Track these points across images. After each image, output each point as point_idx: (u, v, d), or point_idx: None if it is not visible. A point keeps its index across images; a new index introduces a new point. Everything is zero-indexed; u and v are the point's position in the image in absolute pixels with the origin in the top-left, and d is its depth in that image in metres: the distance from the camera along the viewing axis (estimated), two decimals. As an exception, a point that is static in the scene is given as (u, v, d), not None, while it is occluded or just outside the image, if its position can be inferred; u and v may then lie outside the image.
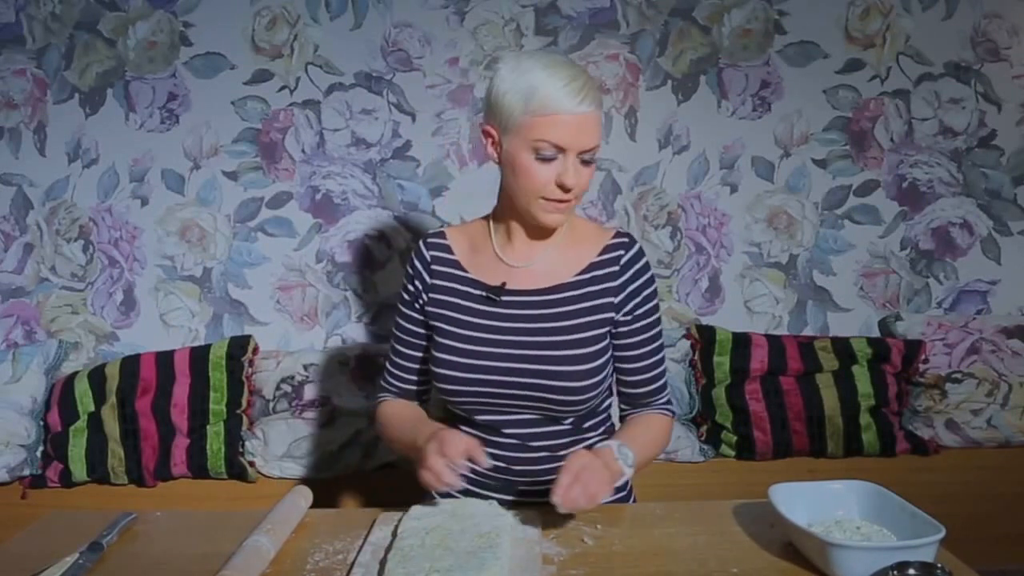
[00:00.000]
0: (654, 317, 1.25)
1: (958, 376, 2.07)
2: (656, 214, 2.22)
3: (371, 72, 2.17)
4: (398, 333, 1.34)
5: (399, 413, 1.32)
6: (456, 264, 1.28)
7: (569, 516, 1.09)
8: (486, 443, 1.18)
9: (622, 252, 1.24)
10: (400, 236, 2.21)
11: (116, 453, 1.98)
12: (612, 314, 1.22)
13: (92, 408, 2.02)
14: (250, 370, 2.08)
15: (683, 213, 2.23)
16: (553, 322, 1.20)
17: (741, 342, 2.08)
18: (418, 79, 2.18)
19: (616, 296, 1.22)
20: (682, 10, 2.18)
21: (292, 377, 2.05)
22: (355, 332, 2.23)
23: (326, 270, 2.22)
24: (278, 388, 2.04)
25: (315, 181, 2.20)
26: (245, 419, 2.04)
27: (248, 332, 2.18)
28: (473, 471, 1.11)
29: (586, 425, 1.25)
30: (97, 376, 2.04)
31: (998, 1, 2.20)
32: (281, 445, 2.00)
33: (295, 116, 2.18)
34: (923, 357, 2.08)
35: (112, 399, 2.00)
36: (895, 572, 0.86)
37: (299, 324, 2.22)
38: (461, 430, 1.21)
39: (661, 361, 1.28)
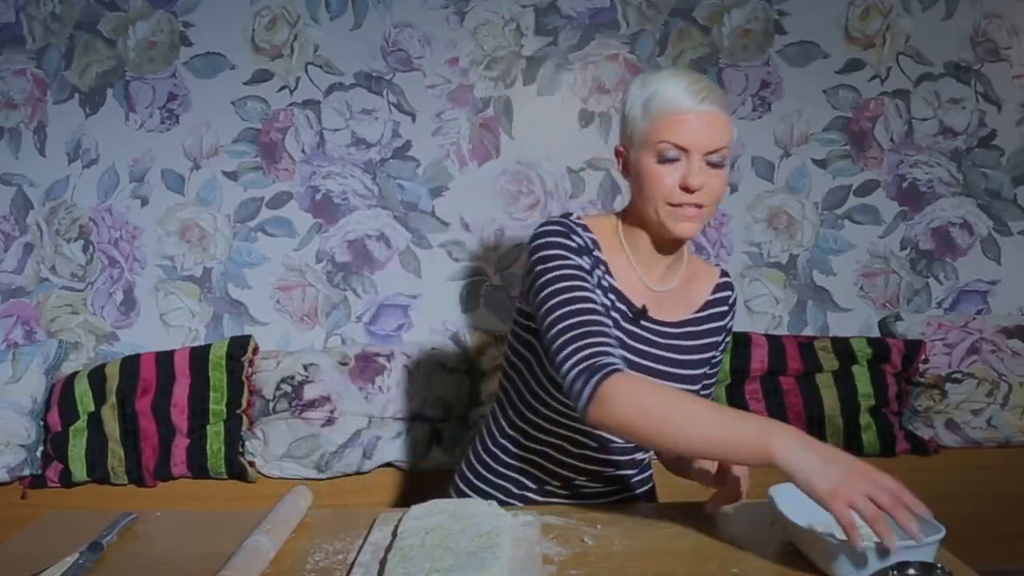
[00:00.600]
0: (725, 350, 1.29)
1: (958, 376, 2.07)
2: (656, 214, 2.22)
3: (371, 72, 2.17)
4: (581, 304, 1.06)
5: (674, 390, 1.04)
6: (605, 266, 1.17)
7: (569, 516, 1.09)
8: (568, 440, 1.19)
9: (729, 293, 1.27)
10: (400, 236, 2.21)
11: (116, 453, 1.98)
12: (715, 353, 1.25)
13: (92, 408, 2.02)
14: (250, 370, 2.08)
15: (683, 213, 2.23)
16: (678, 354, 1.20)
17: (741, 342, 2.08)
18: (418, 79, 2.18)
19: (720, 336, 1.25)
20: (682, 10, 2.18)
21: (292, 377, 2.05)
22: (355, 332, 2.23)
23: (326, 270, 2.22)
24: (278, 388, 2.04)
25: (315, 181, 2.20)
26: (245, 419, 2.04)
27: (248, 332, 2.18)
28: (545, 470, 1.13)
29: None
30: (97, 376, 2.04)
31: (998, 1, 2.20)
32: (281, 445, 2.00)
33: (295, 116, 2.18)
34: (923, 357, 2.08)
35: (112, 399, 2.00)
36: (895, 572, 0.86)
37: (299, 324, 2.22)
38: (546, 427, 1.19)
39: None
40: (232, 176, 2.19)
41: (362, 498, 2.03)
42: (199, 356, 2.05)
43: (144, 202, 2.19)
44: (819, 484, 0.85)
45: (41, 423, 2.04)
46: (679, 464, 1.26)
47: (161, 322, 2.21)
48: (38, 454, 2.03)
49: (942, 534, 0.88)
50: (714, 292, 1.25)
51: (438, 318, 2.22)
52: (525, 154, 2.20)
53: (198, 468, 1.98)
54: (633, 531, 1.06)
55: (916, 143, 2.24)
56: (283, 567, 0.97)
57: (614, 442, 1.20)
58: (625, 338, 1.16)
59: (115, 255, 2.20)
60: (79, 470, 1.98)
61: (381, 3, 2.16)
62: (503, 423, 1.26)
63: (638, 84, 1.14)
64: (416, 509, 1.05)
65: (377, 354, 2.09)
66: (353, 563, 0.96)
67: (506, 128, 2.20)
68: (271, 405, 2.04)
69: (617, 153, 1.18)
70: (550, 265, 1.10)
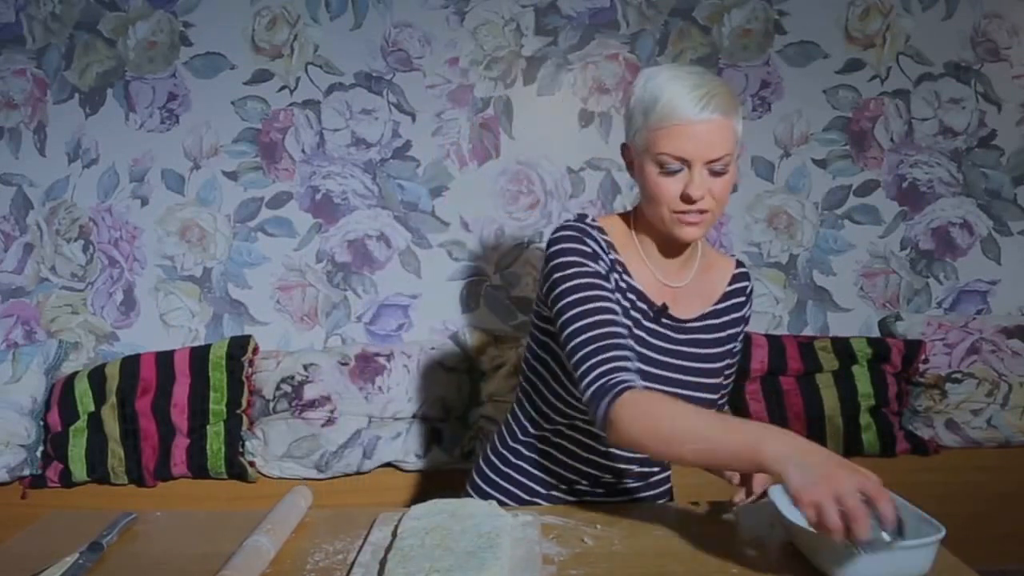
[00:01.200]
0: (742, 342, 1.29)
1: (958, 376, 2.07)
2: (656, 214, 2.22)
3: (371, 72, 2.17)
4: (598, 315, 1.07)
5: (679, 404, 1.03)
6: (622, 266, 1.17)
7: (569, 517, 1.09)
8: (586, 434, 1.19)
9: (747, 283, 1.26)
10: (400, 236, 2.21)
11: (116, 453, 1.98)
12: (735, 344, 1.25)
13: (92, 408, 2.02)
14: (250, 370, 2.08)
15: (683, 213, 2.23)
16: (699, 348, 1.19)
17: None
18: (418, 79, 2.18)
19: (739, 327, 1.25)
20: (682, 10, 2.18)
21: (292, 377, 2.05)
22: (355, 332, 2.23)
23: (326, 270, 2.22)
24: (278, 388, 2.04)
25: (315, 181, 2.20)
26: (245, 419, 2.04)
27: (248, 332, 2.18)
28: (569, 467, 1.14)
29: None
30: (97, 376, 2.04)
31: (998, 1, 2.20)
32: (281, 445, 2.00)
33: (295, 116, 2.18)
34: (923, 357, 2.08)
35: (112, 399, 2.00)
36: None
37: (299, 324, 2.22)
38: (564, 424, 1.20)
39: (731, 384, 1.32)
40: (232, 176, 2.19)
41: (362, 498, 2.02)
42: (199, 356, 2.05)
43: (144, 202, 2.19)
44: (793, 485, 0.86)
45: (41, 423, 2.04)
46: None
47: (161, 322, 2.21)
48: (38, 454, 2.03)
49: (942, 534, 0.88)
50: (731, 283, 1.25)
51: (438, 318, 2.23)
52: (525, 154, 2.20)
53: (198, 468, 1.98)
54: (633, 531, 1.06)
55: (916, 143, 2.24)
56: (283, 567, 0.97)
57: None
58: (647, 336, 1.16)
59: (115, 255, 2.20)
60: (79, 470, 1.97)
61: (381, 3, 2.16)
62: (525, 423, 1.26)
63: (641, 84, 1.12)
64: (416, 509, 1.05)
65: (377, 354, 2.09)
66: (353, 563, 0.96)
67: (506, 128, 2.20)
68: (271, 405, 2.04)
69: (624, 150, 1.18)
70: (567, 273, 1.11)
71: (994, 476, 2.02)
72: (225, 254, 2.21)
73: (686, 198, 1.08)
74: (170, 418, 2.00)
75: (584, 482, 1.23)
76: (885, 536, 0.97)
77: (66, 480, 1.98)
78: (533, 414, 1.24)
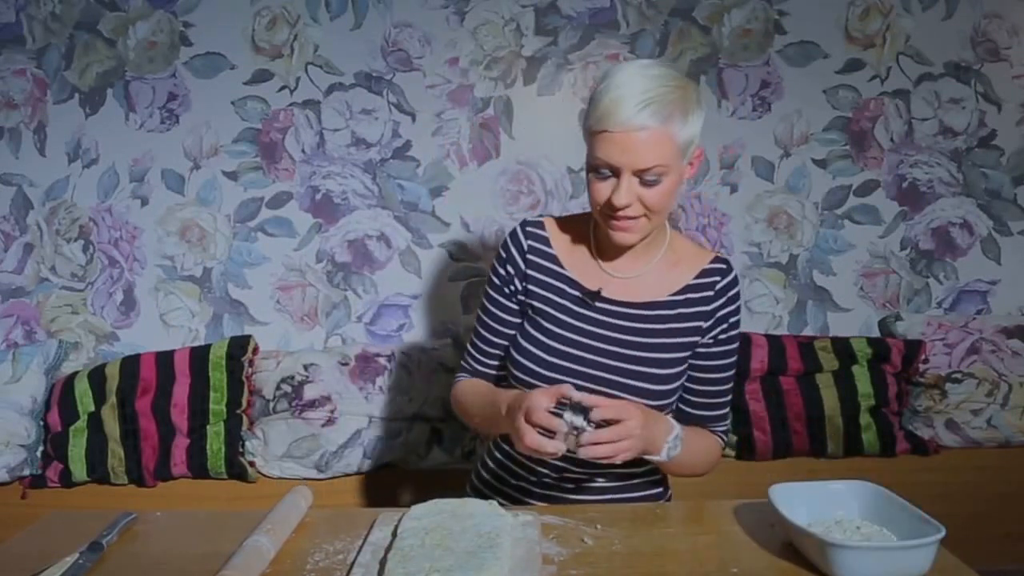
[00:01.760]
0: (734, 346, 1.26)
1: (958, 376, 2.07)
2: (656, 214, 2.22)
3: (371, 72, 2.17)
4: (483, 316, 1.30)
5: (475, 389, 1.28)
6: (554, 259, 1.25)
7: (569, 517, 1.09)
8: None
9: (718, 278, 1.23)
10: (400, 236, 2.21)
11: (116, 453, 1.98)
12: (698, 338, 1.22)
13: (92, 408, 2.02)
14: (250, 370, 2.08)
15: (683, 213, 2.23)
16: (641, 337, 1.19)
17: (741, 342, 2.07)
18: (418, 79, 2.18)
19: (706, 321, 1.22)
20: (682, 10, 2.18)
21: (292, 377, 2.05)
22: (355, 332, 2.23)
23: (326, 270, 2.22)
24: (278, 388, 2.04)
25: (315, 181, 2.20)
26: (245, 419, 2.04)
27: (248, 332, 2.18)
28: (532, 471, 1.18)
29: None
30: (97, 376, 2.04)
31: (998, 1, 2.20)
32: (281, 445, 2.00)
33: (295, 116, 2.18)
34: (923, 357, 2.08)
35: (112, 399, 2.00)
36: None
37: (299, 324, 2.22)
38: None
39: (730, 390, 1.28)
40: (232, 176, 2.19)
41: (362, 498, 2.03)
42: (199, 356, 2.05)
43: (144, 202, 2.19)
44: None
45: (41, 423, 2.04)
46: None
47: (161, 322, 2.21)
48: (38, 454, 2.03)
49: (942, 534, 0.88)
50: (698, 276, 1.23)
51: (438, 318, 2.23)
52: (525, 154, 2.20)
53: (198, 468, 1.98)
54: (633, 531, 1.06)
55: (916, 143, 2.24)
56: (283, 567, 0.97)
57: None
58: (580, 322, 1.21)
59: (115, 255, 2.20)
60: (79, 470, 1.97)
61: (381, 3, 2.16)
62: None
63: (600, 80, 1.12)
64: (416, 509, 1.05)
65: (377, 354, 2.09)
66: (353, 563, 0.96)
67: (506, 128, 2.20)
68: (271, 405, 2.04)
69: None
70: (487, 282, 1.31)
71: (994, 476, 2.02)
72: (225, 254, 2.21)
73: (610, 205, 1.10)
74: (170, 418, 2.00)
75: (532, 478, 1.25)
76: (891, 536, 0.97)
77: (66, 480, 1.98)
78: None
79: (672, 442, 1.13)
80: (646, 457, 1.12)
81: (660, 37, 2.19)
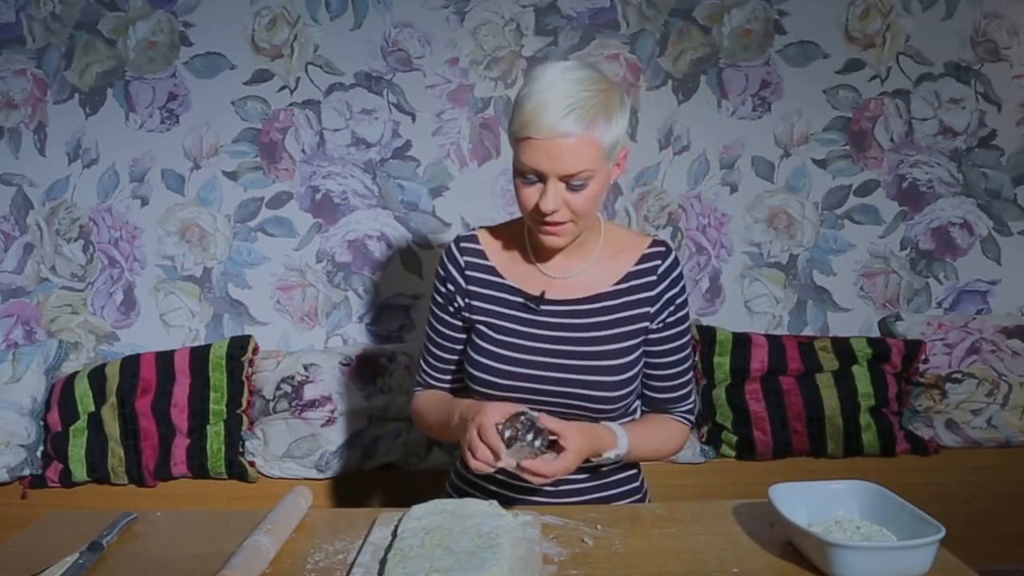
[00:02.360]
0: (684, 326, 1.25)
1: (958, 376, 2.07)
2: (657, 214, 2.22)
3: (371, 72, 2.17)
4: (431, 333, 1.32)
5: (431, 400, 1.30)
6: (492, 270, 1.26)
7: (569, 517, 1.09)
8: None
9: (659, 262, 1.22)
10: (400, 236, 2.21)
11: (116, 453, 1.98)
12: (647, 323, 1.22)
13: (92, 408, 2.02)
14: (250, 370, 2.08)
15: (683, 213, 2.23)
16: (591, 331, 1.20)
17: (741, 342, 2.08)
18: (418, 79, 2.18)
19: (652, 306, 1.21)
20: (682, 10, 2.18)
21: (292, 377, 2.05)
22: (355, 332, 2.23)
23: (326, 270, 2.22)
24: (278, 388, 2.04)
25: (315, 181, 2.20)
26: (245, 419, 2.04)
27: (248, 332, 2.18)
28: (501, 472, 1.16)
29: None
30: (97, 376, 2.04)
31: (998, 1, 2.20)
32: (281, 445, 2.00)
33: (295, 116, 2.18)
34: (923, 357, 2.08)
35: (112, 399, 2.00)
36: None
37: (299, 324, 2.22)
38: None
39: (688, 370, 1.28)
40: (232, 176, 2.19)
41: (362, 498, 2.03)
42: (199, 356, 2.05)
43: (144, 202, 2.19)
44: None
45: (41, 423, 2.04)
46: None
47: (161, 322, 2.21)
48: (38, 454, 2.03)
49: (942, 534, 0.88)
50: (639, 263, 1.23)
51: (438, 318, 2.22)
52: (525, 154, 2.20)
53: (198, 468, 1.98)
54: (633, 531, 1.06)
55: (916, 143, 2.24)
56: (283, 567, 0.97)
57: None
58: (523, 327, 1.21)
59: (115, 255, 2.20)
60: (79, 470, 1.98)
61: (381, 3, 2.16)
62: None
63: (525, 81, 1.12)
64: (416, 509, 1.05)
65: (378, 354, 2.09)
66: (353, 563, 0.96)
67: (506, 128, 2.19)
68: (271, 405, 2.04)
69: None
70: (431, 299, 1.32)
71: (994, 476, 2.02)
72: (225, 254, 2.21)
73: (538, 210, 1.11)
74: (170, 418, 2.00)
75: (509, 480, 1.23)
76: (891, 536, 0.97)
77: (66, 480, 1.98)
78: None
79: (615, 455, 1.16)
80: (609, 456, 1.16)
81: (660, 37, 2.19)
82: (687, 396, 1.29)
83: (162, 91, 2.17)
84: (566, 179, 1.09)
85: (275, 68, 2.17)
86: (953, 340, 2.11)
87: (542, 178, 1.10)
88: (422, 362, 1.34)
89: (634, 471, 1.30)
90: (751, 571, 0.94)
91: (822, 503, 1.03)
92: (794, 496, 1.00)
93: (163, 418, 2.00)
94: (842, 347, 2.08)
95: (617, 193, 2.21)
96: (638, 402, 1.29)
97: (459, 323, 1.28)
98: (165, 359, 2.06)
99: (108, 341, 2.22)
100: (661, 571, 0.95)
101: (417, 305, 2.23)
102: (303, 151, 2.19)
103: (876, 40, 2.21)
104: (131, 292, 2.21)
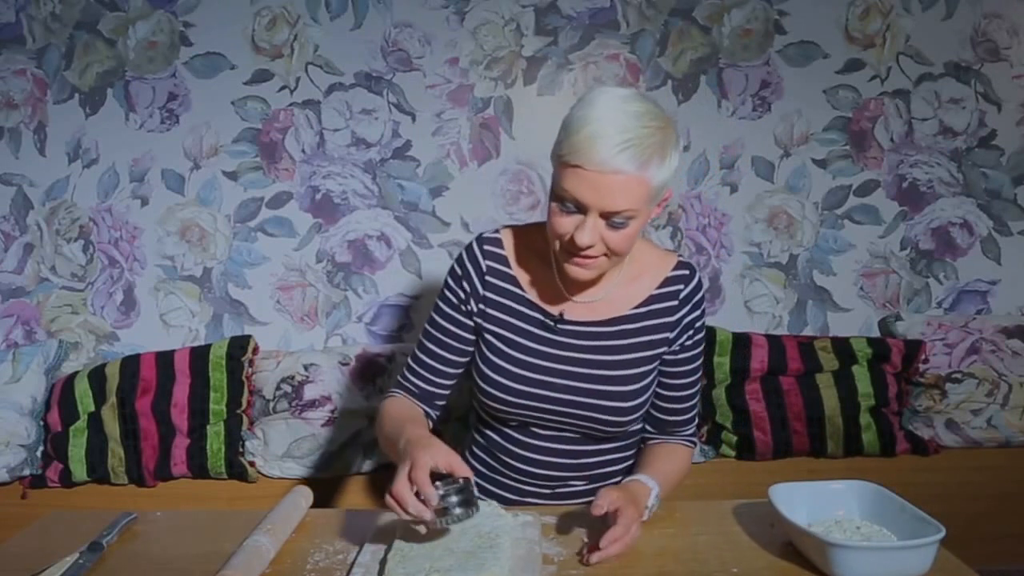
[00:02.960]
0: (699, 350, 1.23)
1: (958, 376, 2.07)
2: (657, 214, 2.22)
3: (371, 72, 2.17)
4: (433, 331, 1.23)
5: (397, 412, 1.20)
6: (514, 280, 1.20)
7: (570, 517, 1.09)
8: (516, 443, 1.22)
9: (682, 286, 1.19)
10: (400, 236, 2.21)
11: (116, 453, 1.98)
12: (665, 348, 1.19)
13: (92, 408, 2.02)
14: (250, 370, 2.08)
15: (683, 213, 2.23)
16: (609, 355, 1.17)
17: (741, 342, 2.08)
18: (418, 79, 2.18)
19: (672, 331, 1.19)
20: (682, 10, 2.18)
21: (292, 377, 2.05)
22: (355, 332, 2.23)
23: (326, 270, 2.22)
24: (278, 388, 2.04)
25: (315, 181, 2.20)
26: (245, 419, 2.04)
27: (248, 332, 2.18)
28: (496, 472, 1.15)
29: (618, 444, 1.24)
30: (97, 376, 2.04)
31: (998, 1, 2.20)
32: (281, 445, 2.00)
33: (295, 116, 2.18)
34: (923, 357, 2.08)
35: (112, 399, 2.00)
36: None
37: (299, 324, 2.22)
38: (491, 427, 1.24)
39: (696, 393, 1.26)
40: (232, 176, 2.19)
41: (362, 498, 2.03)
42: (199, 356, 2.05)
43: (144, 202, 2.19)
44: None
45: (41, 423, 2.04)
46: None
47: (161, 322, 2.21)
48: (38, 454, 2.03)
49: (942, 534, 0.88)
50: (661, 286, 1.19)
51: (438, 318, 2.22)
52: (525, 154, 2.20)
53: (198, 468, 1.98)
54: (633, 531, 1.06)
55: (916, 143, 2.24)
56: (283, 567, 0.97)
57: (557, 446, 1.21)
58: (538, 345, 1.18)
59: (115, 255, 2.20)
60: (79, 470, 1.97)
61: (381, 3, 2.16)
62: (473, 428, 1.34)
63: (578, 103, 1.06)
64: (416, 509, 1.05)
65: (377, 354, 2.09)
66: (353, 563, 0.96)
67: (506, 128, 2.20)
68: (271, 405, 2.04)
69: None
70: (438, 296, 1.24)
71: (994, 476, 2.02)
72: (225, 254, 2.21)
73: (572, 242, 1.05)
74: (170, 418, 2.00)
75: (509, 483, 1.25)
76: (891, 536, 0.97)
77: (66, 480, 1.98)
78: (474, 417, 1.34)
79: (652, 504, 1.09)
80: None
81: (660, 37, 2.19)
82: (692, 420, 1.27)
83: (162, 91, 2.17)
84: (607, 215, 1.03)
85: (275, 68, 2.17)
86: (953, 340, 2.11)
87: (582, 210, 1.03)
88: (411, 360, 1.25)
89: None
90: (751, 571, 0.94)
91: (822, 503, 1.03)
92: (794, 496, 1.01)
93: (163, 418, 2.00)
94: (842, 347, 2.08)
95: (617, 193, 2.21)
96: (643, 423, 1.27)
97: (469, 325, 1.22)
98: (165, 359, 2.06)
99: (108, 341, 2.22)
100: (661, 571, 0.95)
101: (417, 305, 2.23)
102: (303, 151, 2.19)
103: (876, 40, 2.21)
104: (131, 292, 2.21)
